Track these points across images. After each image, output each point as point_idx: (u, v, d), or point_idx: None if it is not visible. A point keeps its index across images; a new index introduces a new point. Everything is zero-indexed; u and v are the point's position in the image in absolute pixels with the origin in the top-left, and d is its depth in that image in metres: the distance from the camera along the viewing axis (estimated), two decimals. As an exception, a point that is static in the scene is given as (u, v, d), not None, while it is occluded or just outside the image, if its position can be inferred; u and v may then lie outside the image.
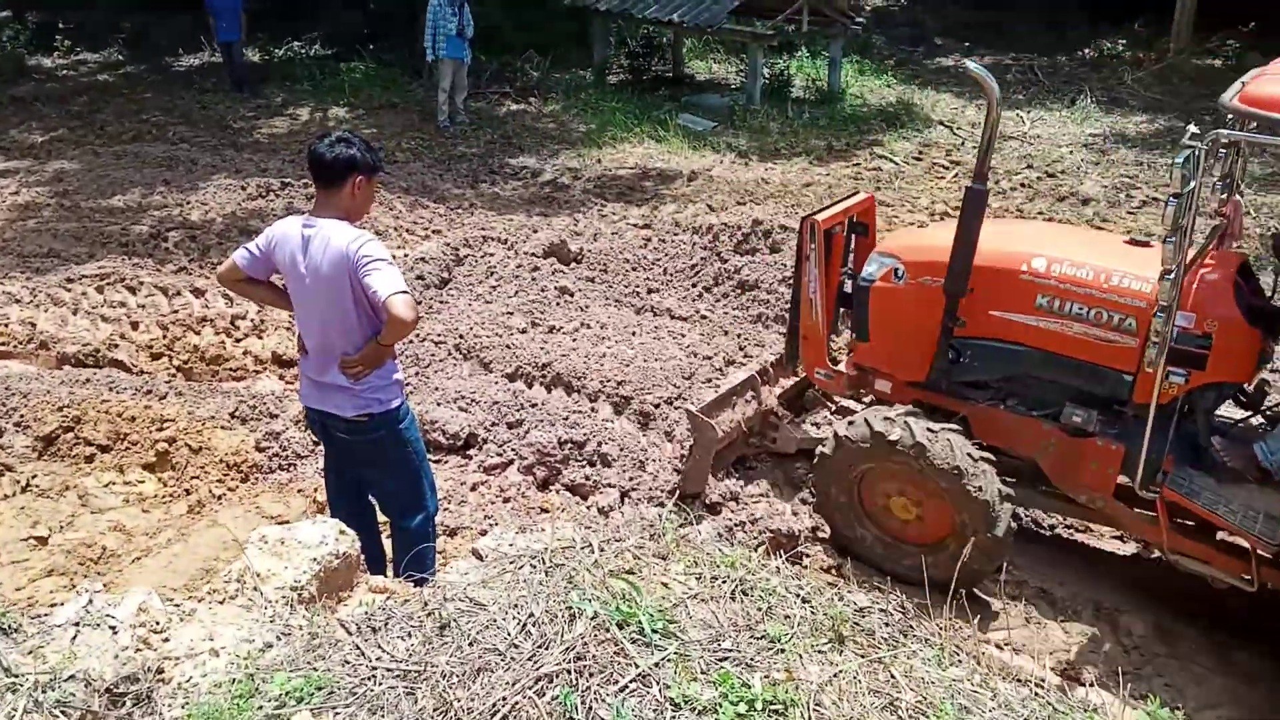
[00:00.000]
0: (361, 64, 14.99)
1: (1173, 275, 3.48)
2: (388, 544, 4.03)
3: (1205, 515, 3.87)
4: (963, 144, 11.66)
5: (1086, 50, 16.43)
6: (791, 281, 5.19)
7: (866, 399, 5.07)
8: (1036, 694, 2.58)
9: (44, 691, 2.23)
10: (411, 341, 6.11)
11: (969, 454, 4.04)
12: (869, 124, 12.67)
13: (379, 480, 3.82)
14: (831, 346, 4.99)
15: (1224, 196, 4.25)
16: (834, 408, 5.49)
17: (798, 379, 5.37)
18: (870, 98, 14.13)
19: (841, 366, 4.89)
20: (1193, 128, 3.53)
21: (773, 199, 9.51)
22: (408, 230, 8.77)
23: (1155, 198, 9.48)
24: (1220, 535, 4.01)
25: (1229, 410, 4.24)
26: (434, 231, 8.78)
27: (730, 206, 9.16)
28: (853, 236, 5.02)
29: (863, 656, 2.57)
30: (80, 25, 17.50)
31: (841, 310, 5.03)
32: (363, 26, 15.95)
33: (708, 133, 12.34)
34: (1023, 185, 9.99)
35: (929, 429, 4.09)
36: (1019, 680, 2.72)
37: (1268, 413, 4.18)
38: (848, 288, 4.92)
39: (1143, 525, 4.11)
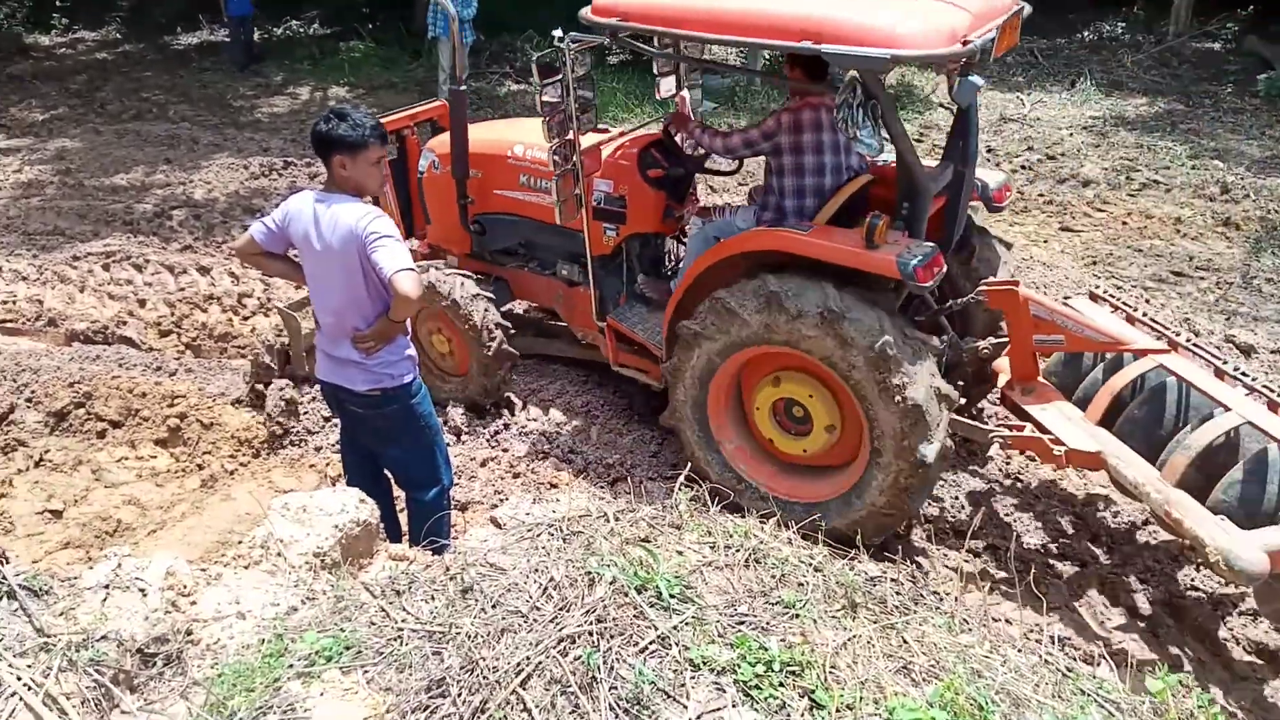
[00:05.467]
0: (361, 43, 14.93)
1: (554, 148, 4.38)
2: (403, 517, 4.09)
3: (630, 334, 4.94)
4: (964, 126, 11.68)
5: (1086, 33, 16.41)
6: None
7: None
8: (1046, 661, 2.64)
9: (77, 651, 2.28)
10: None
11: (468, 290, 5.04)
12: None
13: (393, 453, 3.86)
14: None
15: (677, 92, 5.20)
16: None
17: None
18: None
19: (421, 246, 5.79)
20: (557, 31, 4.28)
21: (775, 180, 9.52)
22: (412, 209, 8.79)
23: (1155, 180, 9.53)
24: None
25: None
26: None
27: (733, 187, 9.18)
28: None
29: (875, 622, 2.62)
30: (77, 3, 17.40)
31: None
32: (362, 5, 15.89)
33: (709, 113, 12.33)
34: (1023, 167, 10.02)
35: (447, 274, 5.07)
36: (1028, 649, 2.78)
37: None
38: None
39: (611, 351, 5.10)
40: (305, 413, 5.31)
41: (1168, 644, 3.93)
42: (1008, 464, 5.02)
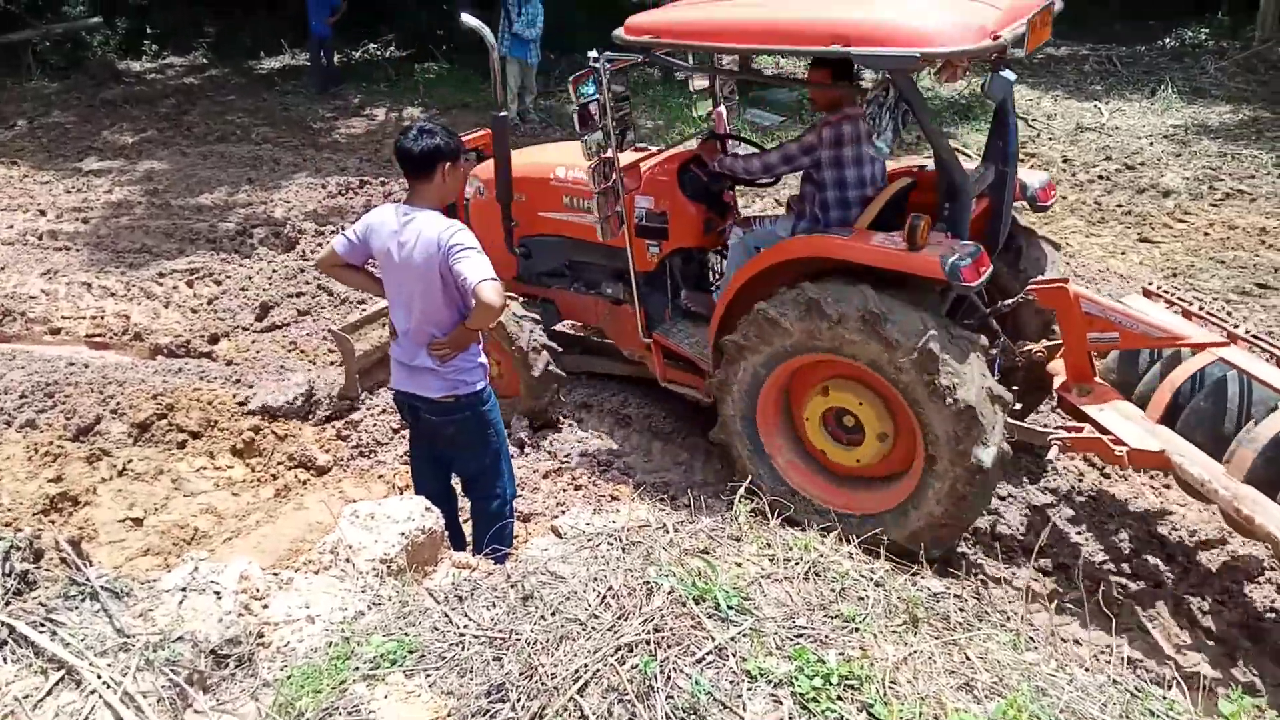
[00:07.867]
0: (436, 65, 15.26)
1: (594, 166, 4.47)
2: (467, 528, 4.16)
3: (677, 350, 4.98)
4: (1038, 135, 11.46)
5: (1167, 40, 15.98)
6: None
7: None
8: (1114, 681, 2.57)
9: (154, 651, 2.37)
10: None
11: (513, 313, 5.11)
12: (941, 117, 12.50)
13: (463, 461, 3.97)
14: None
15: (714, 108, 5.49)
16: None
17: None
18: (941, 90, 13.93)
19: None
20: (592, 52, 4.39)
21: (842, 193, 9.45)
22: (481, 226, 8.94)
23: (1240, 189, 9.22)
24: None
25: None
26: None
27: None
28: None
29: (937, 638, 2.58)
30: (167, 29, 18.11)
31: None
32: (437, 28, 16.23)
33: (775, 127, 12.32)
34: (1100, 177, 9.79)
35: None
36: (1096, 669, 2.71)
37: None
38: None
39: (659, 367, 5.13)
40: (375, 425, 5.43)
41: (1244, 667, 3.79)
42: (1080, 480, 4.90)
